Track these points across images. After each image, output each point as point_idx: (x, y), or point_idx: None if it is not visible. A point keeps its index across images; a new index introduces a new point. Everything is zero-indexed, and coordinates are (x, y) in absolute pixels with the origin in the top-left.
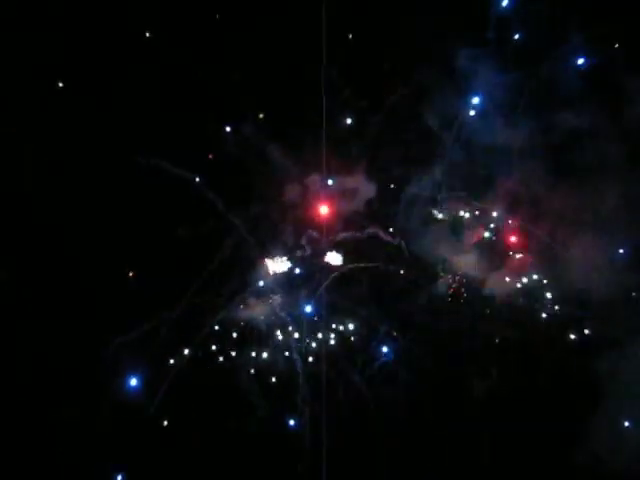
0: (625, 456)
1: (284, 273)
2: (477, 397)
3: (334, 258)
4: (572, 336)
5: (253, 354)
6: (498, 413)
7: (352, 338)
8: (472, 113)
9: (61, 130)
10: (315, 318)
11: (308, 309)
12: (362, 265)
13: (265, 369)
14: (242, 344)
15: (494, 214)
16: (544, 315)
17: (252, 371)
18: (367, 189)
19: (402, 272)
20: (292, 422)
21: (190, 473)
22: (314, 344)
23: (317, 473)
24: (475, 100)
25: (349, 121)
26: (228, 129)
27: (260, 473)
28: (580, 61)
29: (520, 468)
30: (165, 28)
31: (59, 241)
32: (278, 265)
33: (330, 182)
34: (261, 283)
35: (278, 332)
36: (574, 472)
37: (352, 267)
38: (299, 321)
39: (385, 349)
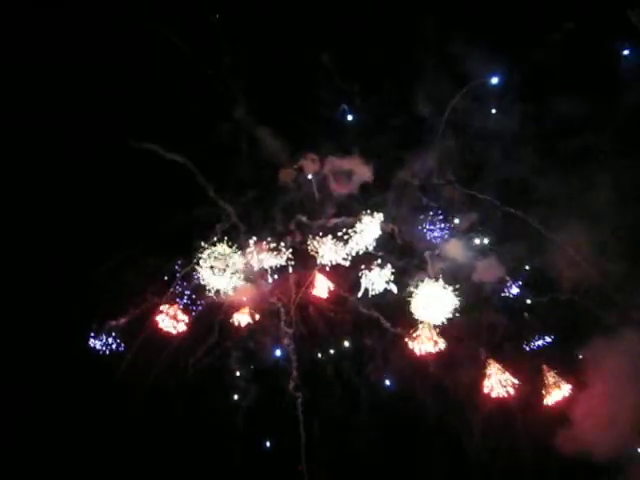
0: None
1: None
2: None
3: (325, 245)
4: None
5: (242, 342)
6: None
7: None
8: (465, 99)
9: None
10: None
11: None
12: (353, 253)
13: (255, 358)
14: (232, 332)
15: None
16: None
17: (241, 361)
18: (360, 174)
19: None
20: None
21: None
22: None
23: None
24: (469, 86)
25: (342, 106)
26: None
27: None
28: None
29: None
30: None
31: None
32: (267, 257)
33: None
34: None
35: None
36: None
37: (343, 255)
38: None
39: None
